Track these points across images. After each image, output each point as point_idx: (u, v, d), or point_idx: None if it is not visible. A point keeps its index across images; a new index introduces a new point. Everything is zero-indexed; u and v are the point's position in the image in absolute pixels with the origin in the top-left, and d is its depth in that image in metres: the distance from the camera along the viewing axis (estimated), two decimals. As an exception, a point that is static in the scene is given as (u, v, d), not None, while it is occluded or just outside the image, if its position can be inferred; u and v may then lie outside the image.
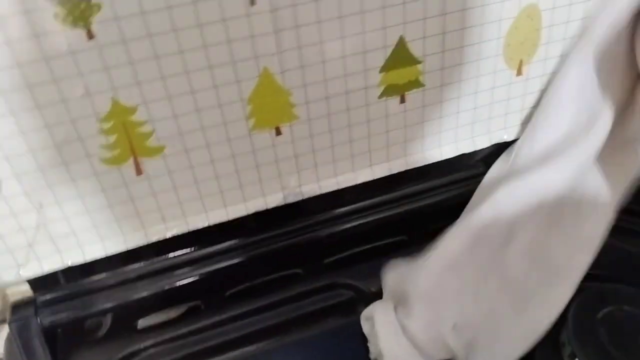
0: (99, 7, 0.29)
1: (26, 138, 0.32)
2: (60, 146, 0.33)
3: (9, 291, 0.37)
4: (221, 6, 0.31)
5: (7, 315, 0.38)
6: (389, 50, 0.36)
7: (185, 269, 0.40)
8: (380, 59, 0.36)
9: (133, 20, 0.30)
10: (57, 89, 0.31)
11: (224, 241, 0.41)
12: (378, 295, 0.41)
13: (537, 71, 0.41)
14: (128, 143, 0.34)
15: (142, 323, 0.41)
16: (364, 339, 0.40)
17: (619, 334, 0.37)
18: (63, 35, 0.30)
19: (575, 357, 0.37)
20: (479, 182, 0.42)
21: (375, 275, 0.41)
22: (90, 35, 0.30)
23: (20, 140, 0.32)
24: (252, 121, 0.36)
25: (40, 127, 0.32)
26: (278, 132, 0.37)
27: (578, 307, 0.38)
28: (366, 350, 0.40)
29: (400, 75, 0.38)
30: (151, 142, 0.35)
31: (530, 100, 0.42)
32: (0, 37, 0.28)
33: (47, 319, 0.38)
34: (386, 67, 0.37)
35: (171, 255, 0.40)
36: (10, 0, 0.28)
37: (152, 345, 0.40)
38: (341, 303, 0.42)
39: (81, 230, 0.36)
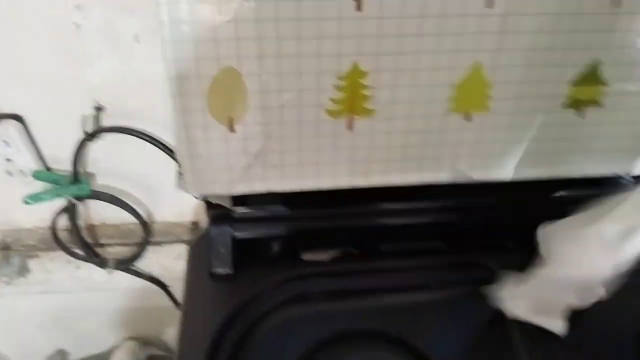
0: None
1: (280, 79, 0.39)
2: (301, 92, 0.39)
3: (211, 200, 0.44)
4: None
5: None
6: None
7: (351, 220, 0.46)
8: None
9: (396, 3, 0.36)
10: (316, 44, 0.38)
11: (388, 202, 0.47)
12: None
13: None
14: (351, 101, 0.41)
15: (306, 256, 0.47)
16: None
17: None
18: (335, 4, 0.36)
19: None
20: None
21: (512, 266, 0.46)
22: (359, 7, 0.37)
23: (275, 80, 0.39)
24: (451, 104, 0.42)
25: (294, 72, 0.38)
26: (468, 118, 0.43)
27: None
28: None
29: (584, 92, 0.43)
30: (368, 105, 0.41)
31: None
32: None
33: (237, 232, 0.44)
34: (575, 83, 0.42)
35: (344, 205, 0.46)
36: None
37: (309, 275, 0.46)
38: (475, 280, 0.47)
39: (289, 165, 0.43)
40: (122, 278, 0.66)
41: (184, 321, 0.43)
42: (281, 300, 0.45)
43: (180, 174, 0.43)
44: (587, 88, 0.42)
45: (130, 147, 0.56)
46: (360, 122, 0.42)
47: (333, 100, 0.40)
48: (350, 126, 0.42)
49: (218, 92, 0.39)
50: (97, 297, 0.71)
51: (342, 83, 0.40)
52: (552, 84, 0.42)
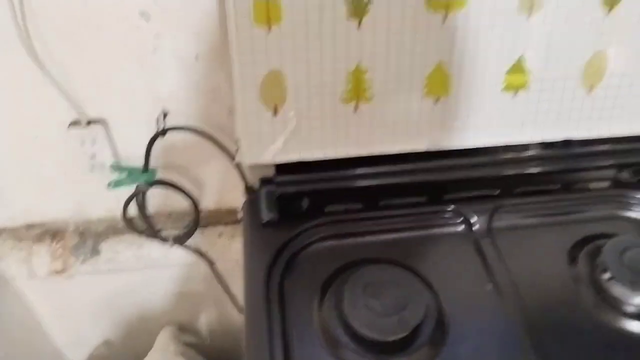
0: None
1: (308, 77, 0.57)
2: (323, 86, 0.58)
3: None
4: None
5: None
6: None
7: (359, 181, 0.64)
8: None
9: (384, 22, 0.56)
10: (332, 51, 0.56)
11: (387, 165, 0.64)
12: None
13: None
14: (356, 90, 0.59)
15: (327, 209, 0.64)
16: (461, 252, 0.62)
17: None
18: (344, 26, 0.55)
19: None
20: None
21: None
22: (359, 27, 0.56)
23: (304, 78, 0.57)
24: (424, 92, 0.61)
25: (317, 72, 0.57)
26: (437, 102, 0.62)
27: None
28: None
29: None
30: (368, 93, 0.59)
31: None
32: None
33: (279, 191, 0.62)
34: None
35: (356, 169, 0.64)
36: None
37: (332, 221, 0.64)
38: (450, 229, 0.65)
39: (315, 140, 0.61)
40: (176, 255, 0.82)
41: (245, 255, 0.60)
42: (312, 239, 0.62)
43: (238, 149, 0.60)
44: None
45: (185, 147, 0.74)
46: (363, 106, 0.60)
47: (344, 90, 0.59)
48: (356, 109, 0.60)
49: (266, 86, 0.57)
50: (151, 276, 0.87)
51: (350, 77, 0.58)
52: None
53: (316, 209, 0.64)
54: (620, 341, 0.55)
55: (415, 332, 0.53)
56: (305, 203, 0.64)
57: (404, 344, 0.53)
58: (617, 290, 0.58)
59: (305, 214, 0.63)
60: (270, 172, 0.63)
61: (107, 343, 1.03)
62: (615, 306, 0.57)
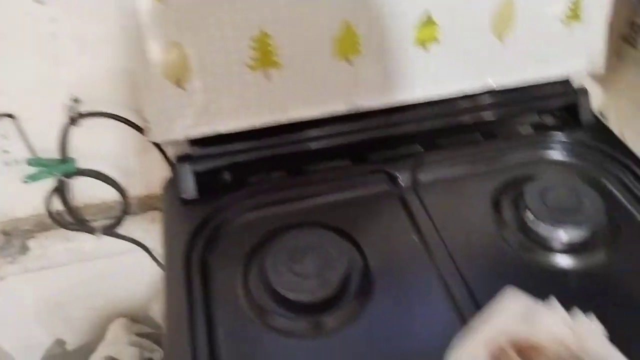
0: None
1: (211, 47, 0.55)
2: (227, 54, 0.56)
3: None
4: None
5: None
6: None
7: (280, 148, 0.63)
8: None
9: None
10: (233, 18, 0.55)
11: (306, 130, 0.64)
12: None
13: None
14: (264, 57, 0.58)
15: (251, 179, 0.63)
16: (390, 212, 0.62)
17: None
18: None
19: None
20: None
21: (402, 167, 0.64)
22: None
23: (206, 47, 0.55)
24: (333, 52, 0.60)
25: (220, 40, 0.55)
26: (349, 63, 0.61)
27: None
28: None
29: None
30: (275, 59, 0.58)
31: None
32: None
33: (198, 166, 0.60)
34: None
35: (276, 137, 0.63)
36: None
37: (254, 193, 0.63)
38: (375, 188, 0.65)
39: (226, 111, 0.59)
40: (109, 245, 0.80)
41: (165, 234, 0.58)
42: (235, 212, 0.61)
43: (147, 126, 0.59)
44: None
45: (103, 133, 0.71)
46: (274, 72, 0.59)
47: (251, 58, 0.57)
48: (267, 76, 0.59)
49: (168, 60, 0.55)
50: (89, 270, 0.85)
51: (255, 45, 0.57)
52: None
53: (239, 181, 0.63)
54: (548, 277, 0.56)
55: (342, 289, 0.53)
56: (227, 176, 0.63)
57: (331, 302, 0.53)
58: (541, 228, 0.59)
59: (228, 187, 0.62)
60: (192, 148, 0.61)
61: (59, 342, 1.01)
62: (541, 244, 0.59)
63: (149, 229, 0.80)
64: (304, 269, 0.53)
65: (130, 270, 0.88)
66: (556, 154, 0.70)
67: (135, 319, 1.00)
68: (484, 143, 0.70)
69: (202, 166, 0.61)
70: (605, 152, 0.68)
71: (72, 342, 1.01)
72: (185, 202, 0.61)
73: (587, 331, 0.50)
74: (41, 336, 0.98)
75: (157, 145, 0.68)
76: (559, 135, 0.70)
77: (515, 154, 0.69)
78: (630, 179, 0.65)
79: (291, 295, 0.52)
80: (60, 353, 1.01)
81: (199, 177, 0.61)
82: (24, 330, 0.96)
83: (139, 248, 0.81)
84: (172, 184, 0.62)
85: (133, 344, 0.95)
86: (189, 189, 0.60)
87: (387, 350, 0.50)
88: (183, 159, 0.60)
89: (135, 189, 0.79)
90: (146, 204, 0.80)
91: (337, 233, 0.58)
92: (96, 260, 0.82)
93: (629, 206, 0.63)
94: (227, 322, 0.52)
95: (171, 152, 0.67)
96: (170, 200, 0.61)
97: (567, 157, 0.70)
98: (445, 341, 0.48)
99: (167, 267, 0.55)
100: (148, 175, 0.77)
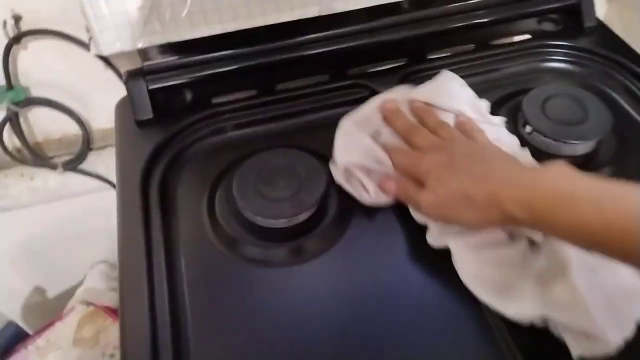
0: None
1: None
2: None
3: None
4: None
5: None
6: None
7: (248, 61, 0.56)
8: None
9: None
10: None
11: (277, 41, 0.56)
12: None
13: None
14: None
15: (215, 100, 0.57)
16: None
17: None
18: None
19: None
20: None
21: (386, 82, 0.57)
22: None
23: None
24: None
25: None
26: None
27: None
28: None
29: None
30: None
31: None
32: None
33: (150, 83, 0.53)
34: None
35: (240, 49, 0.56)
36: None
37: (219, 113, 0.56)
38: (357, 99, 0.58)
39: (180, 17, 0.52)
40: (74, 182, 0.74)
41: (118, 160, 0.52)
42: (200, 134, 0.55)
43: (91, 38, 0.51)
44: None
45: (56, 56, 0.64)
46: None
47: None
48: (226, -26, 0.51)
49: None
50: (58, 211, 0.79)
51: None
52: None
53: (202, 103, 0.56)
54: None
55: (317, 213, 0.48)
56: (188, 96, 0.56)
57: (305, 227, 0.47)
58: (541, 142, 0.53)
59: (189, 108, 0.56)
60: (146, 63, 0.54)
61: (38, 290, 0.97)
62: (543, 160, 0.52)
63: (113, 165, 0.74)
64: (275, 191, 0.48)
65: (103, 211, 0.83)
66: (557, 63, 0.63)
67: (115, 264, 0.96)
68: (477, 53, 0.62)
69: (157, 83, 0.54)
70: (610, 58, 0.61)
71: (52, 289, 0.98)
72: (141, 125, 0.54)
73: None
74: (19, 286, 0.94)
75: (110, 64, 0.62)
76: (560, 43, 0.63)
77: (511, 64, 0.62)
78: (637, 86, 0.59)
79: (262, 222, 0.47)
80: (40, 301, 0.98)
81: (155, 95, 0.54)
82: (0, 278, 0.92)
83: (109, 186, 0.76)
84: (125, 105, 0.55)
85: (113, 289, 0.92)
86: (144, 108, 0.54)
87: (366, 275, 0.45)
88: (135, 74, 0.53)
89: (97, 122, 0.72)
90: (110, 138, 0.74)
91: (313, 155, 0.52)
92: (63, 200, 0.77)
93: (637, 116, 0.57)
94: (190, 254, 0.46)
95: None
96: (124, 123, 0.55)
97: (569, 66, 0.62)
98: (423, 265, 0.45)
99: (121, 196, 0.49)
100: (110, 107, 0.71)
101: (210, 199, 0.50)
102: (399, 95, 0.52)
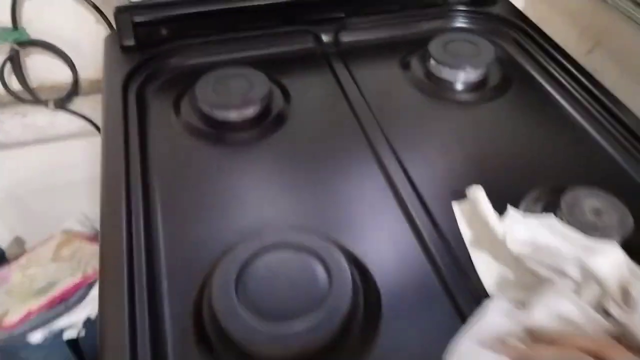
0: None
1: None
2: None
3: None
4: None
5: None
6: None
7: (215, 5, 0.70)
8: None
9: None
10: None
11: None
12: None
13: None
14: None
15: (187, 37, 0.70)
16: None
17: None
18: None
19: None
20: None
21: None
22: None
23: None
24: None
25: None
26: None
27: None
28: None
29: None
30: None
31: None
32: None
33: (134, 17, 0.67)
34: None
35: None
36: None
37: (189, 45, 0.70)
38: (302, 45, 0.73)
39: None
40: (61, 121, 0.86)
41: (105, 74, 0.65)
42: (173, 57, 0.68)
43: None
44: None
45: (58, 10, 0.77)
46: None
47: None
48: None
49: None
50: (42, 154, 0.90)
51: None
52: None
53: (175, 37, 0.70)
54: (454, 113, 0.65)
55: (263, 111, 0.61)
56: (164, 32, 0.70)
57: (255, 123, 0.61)
58: (444, 72, 0.68)
59: (164, 40, 0.69)
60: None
61: (17, 241, 1.05)
62: (446, 87, 0.68)
63: (98, 108, 0.86)
64: (230, 90, 0.61)
65: (87, 161, 0.94)
66: (463, 22, 0.79)
67: (91, 217, 1.05)
68: (400, 12, 0.78)
69: (140, 17, 0.67)
70: (507, 20, 0.77)
71: (31, 240, 1.05)
72: (125, 49, 0.68)
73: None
74: (2, 232, 1.03)
75: (99, 11, 0.75)
76: (468, 9, 0.79)
77: (427, 21, 0.78)
78: (525, 40, 0.75)
79: (216, 114, 0.60)
80: (21, 252, 1.06)
81: (138, 28, 0.68)
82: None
83: (93, 129, 0.87)
84: (112, 37, 0.69)
85: (90, 240, 1.00)
86: (128, 37, 0.67)
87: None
88: (123, 9, 0.67)
89: (87, 72, 0.85)
90: (96, 88, 0.86)
91: (264, 74, 0.65)
92: (51, 143, 0.88)
93: (519, 58, 0.73)
94: (160, 141, 0.58)
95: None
96: (111, 49, 0.68)
97: (472, 24, 0.79)
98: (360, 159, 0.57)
99: (106, 101, 0.61)
100: (99, 60, 0.83)
101: (176, 102, 0.63)
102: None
